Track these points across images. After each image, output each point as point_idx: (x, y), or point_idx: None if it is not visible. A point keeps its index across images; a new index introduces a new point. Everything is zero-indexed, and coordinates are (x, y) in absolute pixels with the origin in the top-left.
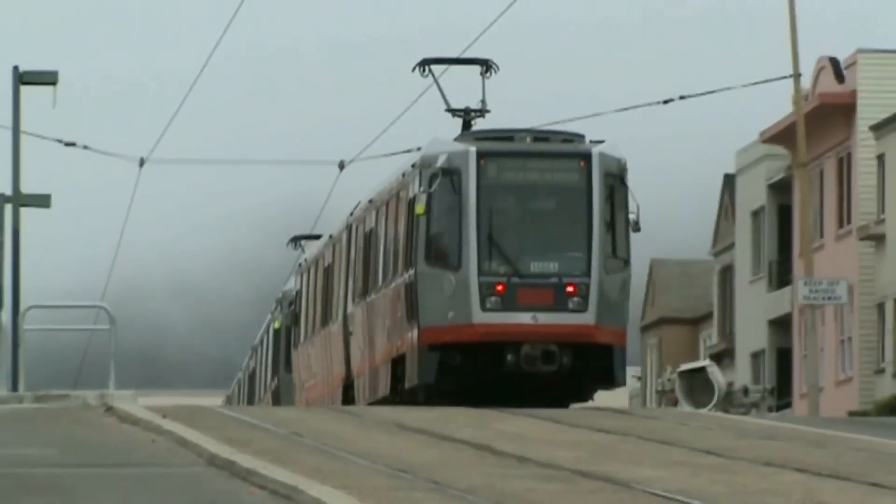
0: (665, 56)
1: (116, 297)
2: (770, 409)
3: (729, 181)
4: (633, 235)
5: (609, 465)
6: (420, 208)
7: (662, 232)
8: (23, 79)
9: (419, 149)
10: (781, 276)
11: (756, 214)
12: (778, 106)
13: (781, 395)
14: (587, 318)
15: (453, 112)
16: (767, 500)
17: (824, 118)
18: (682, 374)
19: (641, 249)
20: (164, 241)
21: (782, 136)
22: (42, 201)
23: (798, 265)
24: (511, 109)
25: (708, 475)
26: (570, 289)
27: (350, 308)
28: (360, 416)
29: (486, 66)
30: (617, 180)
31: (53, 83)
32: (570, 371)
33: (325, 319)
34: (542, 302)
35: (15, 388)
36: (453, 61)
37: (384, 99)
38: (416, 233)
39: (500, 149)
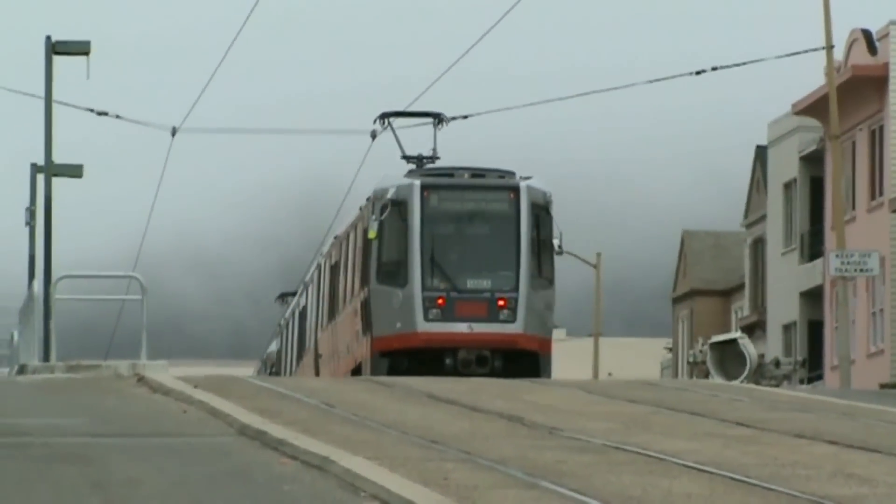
0: (698, 27)
1: (143, 266)
2: (801, 381)
3: (761, 153)
4: (558, 258)
5: (641, 436)
6: (372, 233)
7: (694, 203)
8: (55, 49)
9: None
10: (813, 247)
11: (788, 186)
12: (810, 78)
13: (813, 367)
14: (516, 327)
15: (407, 159)
16: (798, 471)
17: (857, 90)
18: (714, 345)
19: (672, 221)
20: (191, 210)
21: (815, 107)
22: (74, 171)
23: (830, 237)
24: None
25: (739, 447)
26: (500, 302)
27: (319, 335)
28: (391, 386)
29: (439, 118)
30: (542, 210)
31: (86, 53)
32: (501, 373)
33: (300, 355)
34: (477, 314)
35: (47, 358)
36: (409, 114)
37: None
38: (369, 255)
39: (442, 182)
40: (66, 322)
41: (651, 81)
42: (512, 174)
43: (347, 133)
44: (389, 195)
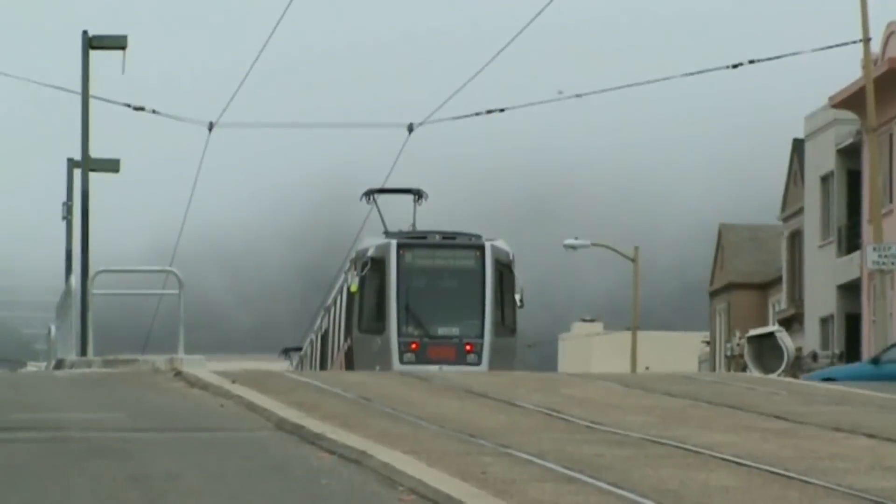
0: (734, 21)
1: (179, 261)
2: None
3: (798, 146)
4: (520, 311)
5: (678, 430)
6: (354, 287)
7: (731, 196)
8: (92, 43)
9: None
10: (850, 241)
11: (825, 179)
12: (847, 70)
13: (850, 360)
14: (481, 369)
15: (387, 233)
16: (837, 465)
17: (894, 83)
18: (751, 339)
19: (709, 214)
20: (226, 206)
21: (852, 100)
22: (111, 166)
23: (867, 230)
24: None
25: (777, 440)
26: (468, 347)
27: None
28: (429, 381)
29: (418, 194)
30: (505, 268)
31: (122, 48)
32: None
33: None
34: (447, 357)
35: (84, 352)
36: (391, 191)
37: (456, 61)
38: (352, 307)
39: (415, 243)
40: (103, 317)
41: (687, 75)
42: (478, 237)
43: (383, 126)
44: (369, 253)
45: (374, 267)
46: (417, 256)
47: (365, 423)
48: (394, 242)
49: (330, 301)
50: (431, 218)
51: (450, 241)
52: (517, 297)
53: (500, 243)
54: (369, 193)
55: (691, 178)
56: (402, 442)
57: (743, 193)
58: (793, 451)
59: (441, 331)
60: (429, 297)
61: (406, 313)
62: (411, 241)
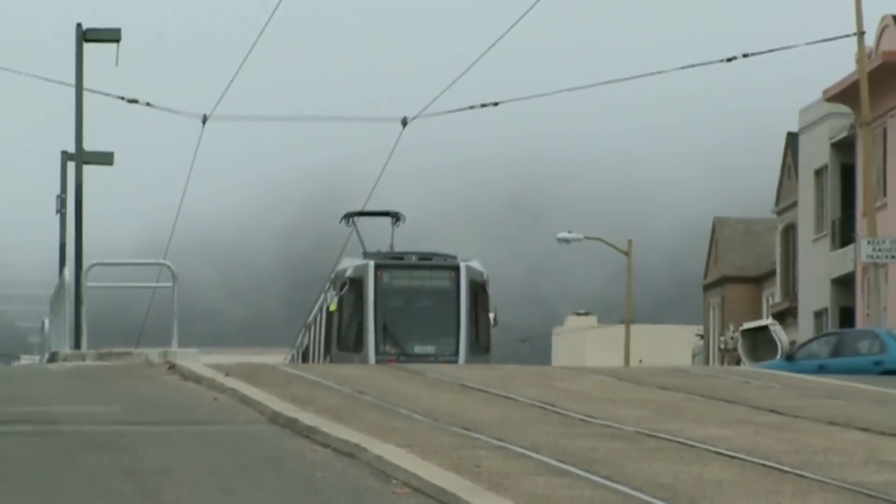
0: (729, 14)
1: (173, 254)
2: None
3: (792, 140)
4: (494, 329)
5: (672, 423)
6: (333, 306)
7: (725, 190)
8: (86, 36)
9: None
10: (844, 234)
11: (819, 173)
12: (841, 64)
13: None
14: None
15: (366, 254)
16: (831, 458)
17: (888, 76)
18: (745, 332)
19: (703, 208)
20: (220, 199)
21: (846, 94)
22: (105, 159)
23: (861, 224)
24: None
25: (771, 434)
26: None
27: None
28: (423, 374)
29: (396, 216)
30: (479, 288)
31: (116, 40)
32: None
33: None
34: None
35: (78, 345)
36: (370, 213)
37: (448, 52)
38: (331, 325)
39: (393, 263)
40: (96, 310)
41: (682, 68)
42: (454, 257)
43: (377, 120)
44: (348, 273)
45: (353, 287)
46: (394, 277)
47: (359, 417)
48: (371, 263)
49: (310, 319)
50: (431, 214)
51: (426, 261)
52: (491, 315)
53: (475, 264)
54: (349, 216)
55: (685, 172)
56: (396, 435)
57: (737, 187)
58: (787, 444)
59: (417, 349)
60: (405, 316)
61: (383, 332)
62: (388, 262)
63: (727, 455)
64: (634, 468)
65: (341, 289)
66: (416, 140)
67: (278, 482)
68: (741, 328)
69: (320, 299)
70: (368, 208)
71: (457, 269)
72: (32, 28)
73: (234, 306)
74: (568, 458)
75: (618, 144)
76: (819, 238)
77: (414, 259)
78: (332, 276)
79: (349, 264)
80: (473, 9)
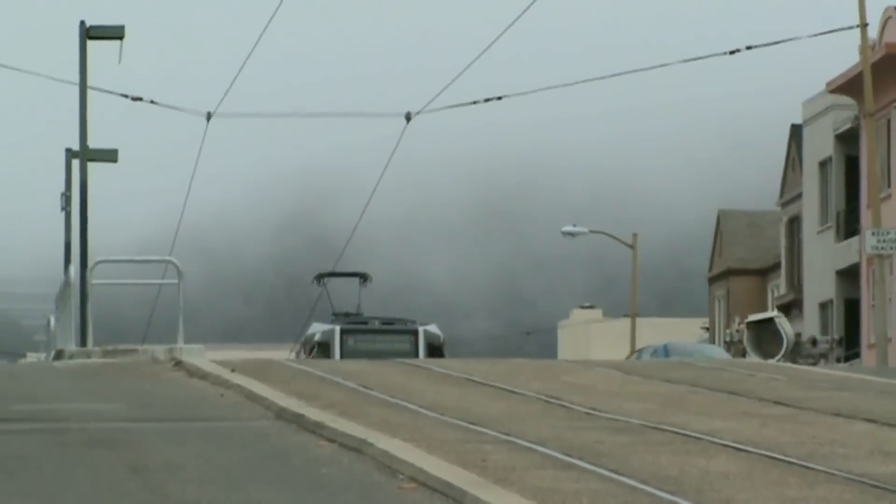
0: (732, 6)
1: (179, 251)
2: (838, 360)
3: (796, 132)
4: None
5: (678, 416)
6: None
7: (730, 183)
8: (89, 34)
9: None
10: (849, 226)
11: (823, 165)
12: (845, 56)
13: (849, 345)
14: None
15: (335, 315)
16: (836, 450)
17: (891, 67)
18: (751, 324)
19: (707, 200)
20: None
21: (849, 86)
22: (109, 156)
23: (866, 215)
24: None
25: (777, 426)
26: None
27: None
28: (429, 369)
29: (364, 277)
30: (437, 350)
31: (120, 38)
32: None
33: None
34: None
35: (83, 343)
36: (339, 274)
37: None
38: None
39: (357, 328)
40: (102, 307)
41: (685, 61)
42: (413, 321)
43: (380, 116)
44: (316, 338)
45: (321, 350)
46: (359, 341)
47: (365, 412)
48: (338, 328)
49: None
50: (436, 208)
51: (388, 326)
52: None
53: (433, 328)
54: (320, 277)
55: (689, 165)
56: (402, 430)
57: (741, 179)
58: (792, 436)
59: None
60: None
61: None
62: (353, 326)
63: (733, 447)
64: (640, 461)
65: (310, 352)
66: (422, 134)
67: (284, 478)
68: (746, 320)
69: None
70: (339, 269)
71: (415, 332)
72: (36, 26)
73: (240, 302)
74: (574, 451)
75: (622, 138)
76: (824, 230)
77: (377, 324)
78: (303, 339)
79: (317, 329)
80: (473, 7)
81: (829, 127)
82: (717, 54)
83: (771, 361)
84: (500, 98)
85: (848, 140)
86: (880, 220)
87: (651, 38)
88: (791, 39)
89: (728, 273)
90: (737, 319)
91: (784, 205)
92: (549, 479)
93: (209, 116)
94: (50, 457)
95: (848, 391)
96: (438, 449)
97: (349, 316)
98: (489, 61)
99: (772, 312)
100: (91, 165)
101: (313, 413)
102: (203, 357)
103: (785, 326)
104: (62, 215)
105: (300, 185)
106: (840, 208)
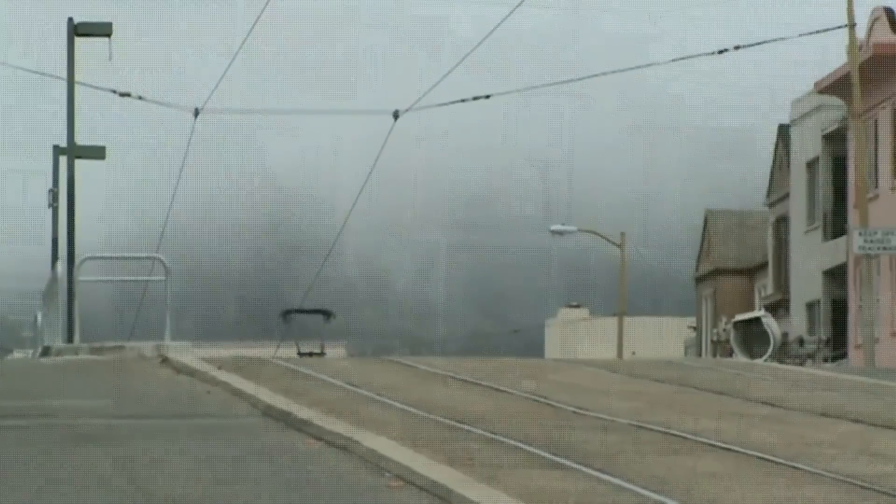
0: (719, 6)
1: (166, 248)
2: (825, 360)
3: (784, 132)
4: None
5: (665, 415)
6: None
7: (717, 183)
8: (77, 30)
9: None
10: (836, 226)
11: (811, 165)
12: (833, 56)
13: (837, 345)
14: None
15: (300, 354)
16: (824, 450)
17: (879, 68)
18: (738, 324)
19: (696, 200)
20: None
21: (837, 86)
22: (97, 153)
23: (853, 215)
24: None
25: (764, 426)
26: None
27: None
28: (416, 367)
29: (327, 314)
30: None
31: (108, 34)
32: None
33: None
34: None
35: (71, 339)
36: (305, 311)
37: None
38: None
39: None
40: (89, 303)
41: (673, 60)
42: None
43: (368, 113)
44: None
45: None
46: None
47: (352, 410)
48: None
49: None
50: (423, 206)
51: None
52: None
53: None
54: (286, 314)
55: (676, 164)
56: (389, 428)
57: (728, 179)
58: (780, 436)
59: None
60: None
61: None
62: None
63: (720, 447)
64: (627, 460)
65: None
66: (409, 132)
67: (271, 475)
68: (733, 320)
69: None
70: (305, 306)
71: None
72: (24, 22)
73: (227, 299)
74: (561, 450)
75: (608, 137)
76: (811, 230)
77: None
78: None
79: None
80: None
81: (816, 127)
82: (705, 54)
83: (758, 361)
84: (487, 97)
85: (836, 140)
86: (868, 221)
87: (639, 37)
88: (779, 39)
89: (715, 273)
90: (724, 319)
91: (771, 205)
92: (536, 478)
93: (197, 113)
94: (37, 453)
95: (835, 391)
96: (425, 447)
97: (312, 356)
98: (478, 59)
99: (759, 312)
100: (78, 162)
101: (300, 411)
102: (190, 354)
103: (772, 326)
104: (49, 212)
105: (288, 181)
106: (827, 208)
